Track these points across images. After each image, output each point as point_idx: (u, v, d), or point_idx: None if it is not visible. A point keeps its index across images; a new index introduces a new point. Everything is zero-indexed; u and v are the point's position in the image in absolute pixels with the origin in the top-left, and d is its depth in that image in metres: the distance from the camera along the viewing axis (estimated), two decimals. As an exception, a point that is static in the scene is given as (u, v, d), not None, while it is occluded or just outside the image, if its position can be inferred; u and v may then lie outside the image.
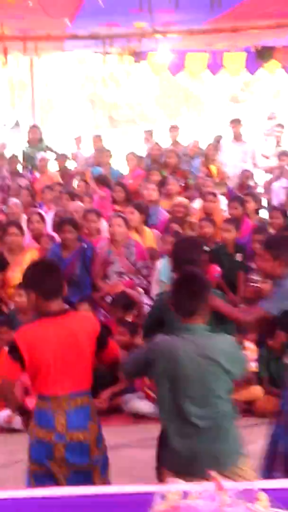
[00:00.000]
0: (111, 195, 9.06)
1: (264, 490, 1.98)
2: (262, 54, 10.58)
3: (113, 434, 5.30)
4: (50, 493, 2.16)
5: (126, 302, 6.32)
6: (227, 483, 1.94)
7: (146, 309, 6.57)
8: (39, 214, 7.72)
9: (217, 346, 3.22)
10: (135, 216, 7.42)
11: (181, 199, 8.27)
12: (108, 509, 2.07)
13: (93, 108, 25.80)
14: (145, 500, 1.93)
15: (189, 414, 3.15)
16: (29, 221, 7.56)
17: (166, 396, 3.20)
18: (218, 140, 11.53)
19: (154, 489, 2.03)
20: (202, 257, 4.13)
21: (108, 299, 6.68)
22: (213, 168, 10.33)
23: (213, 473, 1.98)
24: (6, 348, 3.71)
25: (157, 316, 3.95)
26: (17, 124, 20.14)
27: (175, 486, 1.97)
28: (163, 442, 3.44)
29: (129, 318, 6.28)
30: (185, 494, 1.92)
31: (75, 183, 10.22)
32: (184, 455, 3.14)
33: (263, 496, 1.93)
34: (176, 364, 3.16)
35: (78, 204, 8.14)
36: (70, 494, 2.14)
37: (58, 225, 7.11)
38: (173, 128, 11.90)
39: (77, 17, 8.10)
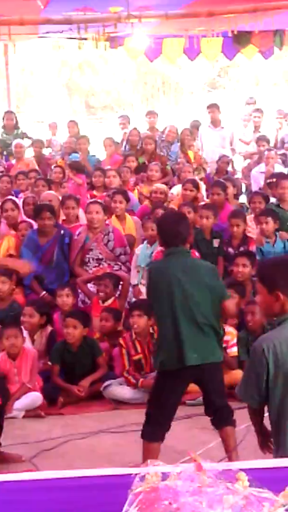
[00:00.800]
0: (86, 181, 9.05)
1: (243, 470, 1.97)
2: (239, 39, 10.54)
3: (93, 419, 5.35)
4: (28, 476, 2.15)
5: (113, 279, 6.33)
6: (206, 464, 1.93)
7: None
8: (13, 201, 7.62)
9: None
10: (123, 205, 7.45)
11: (159, 185, 8.26)
12: (88, 492, 2.06)
13: (70, 94, 25.61)
14: (125, 482, 1.91)
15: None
16: (3, 209, 7.46)
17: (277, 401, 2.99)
18: (195, 125, 11.51)
19: (133, 471, 2.02)
20: (189, 230, 4.36)
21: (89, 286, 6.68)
22: (190, 154, 10.32)
23: (193, 454, 1.97)
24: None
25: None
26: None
27: (154, 468, 1.95)
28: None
29: (111, 301, 6.29)
30: (165, 476, 1.91)
31: (52, 170, 10.14)
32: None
33: (243, 476, 1.92)
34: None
35: (51, 193, 8.06)
36: (48, 477, 2.13)
37: (36, 212, 7.05)
38: (151, 114, 11.86)
39: (51, 1, 8.01)
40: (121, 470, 2.18)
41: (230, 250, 6.92)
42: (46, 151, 11.23)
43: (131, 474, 1.95)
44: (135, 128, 10.97)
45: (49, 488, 2.05)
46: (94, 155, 10.58)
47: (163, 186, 8.25)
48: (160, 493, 1.82)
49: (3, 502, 2.04)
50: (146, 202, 8.24)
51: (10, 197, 7.92)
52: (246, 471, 1.95)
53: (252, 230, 7.23)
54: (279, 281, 2.95)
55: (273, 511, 1.81)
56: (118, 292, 6.42)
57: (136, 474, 1.91)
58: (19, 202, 7.81)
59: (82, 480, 2.12)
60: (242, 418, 4.70)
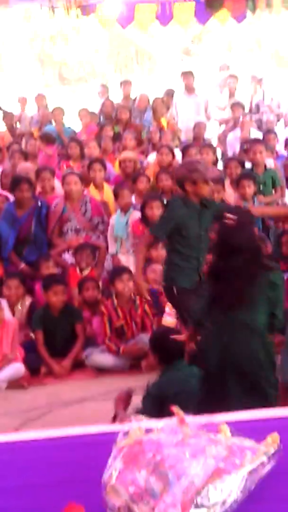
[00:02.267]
0: (59, 152, 9.01)
1: (225, 422, 1.99)
2: (211, 3, 10.41)
3: (76, 388, 5.36)
4: (13, 437, 2.15)
5: (90, 248, 6.32)
6: (189, 418, 1.95)
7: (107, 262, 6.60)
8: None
9: None
10: (102, 173, 7.43)
11: (127, 153, 8.20)
12: (72, 449, 2.08)
13: (42, 66, 25.28)
14: (109, 439, 1.93)
15: None
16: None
17: None
18: (168, 93, 11.44)
19: (116, 428, 2.04)
20: (256, 242, 3.78)
21: (66, 255, 6.68)
22: (163, 121, 10.27)
23: (175, 409, 1.98)
24: None
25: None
26: None
27: (137, 423, 1.97)
28: None
29: (88, 271, 6.30)
30: (148, 430, 1.93)
31: (23, 143, 10.04)
32: None
33: (225, 428, 1.95)
34: None
35: (28, 165, 8.00)
36: (33, 437, 2.14)
37: (14, 184, 6.96)
38: (125, 83, 11.76)
39: None
40: (104, 428, 2.19)
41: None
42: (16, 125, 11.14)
43: (115, 431, 1.97)
44: (107, 99, 10.90)
45: (34, 448, 2.06)
46: (70, 127, 10.49)
47: (131, 154, 8.19)
48: (143, 446, 1.84)
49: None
50: (119, 172, 8.20)
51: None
52: (228, 423, 1.98)
53: (230, 196, 7.23)
54: None
55: (255, 459, 1.84)
56: (94, 262, 6.42)
57: (119, 430, 1.93)
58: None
59: (66, 439, 2.13)
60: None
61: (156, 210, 6.21)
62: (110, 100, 10.83)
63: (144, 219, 6.38)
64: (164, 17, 10.82)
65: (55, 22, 11.62)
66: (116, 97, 11.47)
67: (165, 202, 6.31)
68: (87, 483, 1.89)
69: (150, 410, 3.44)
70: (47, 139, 9.26)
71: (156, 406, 3.56)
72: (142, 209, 6.43)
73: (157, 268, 5.74)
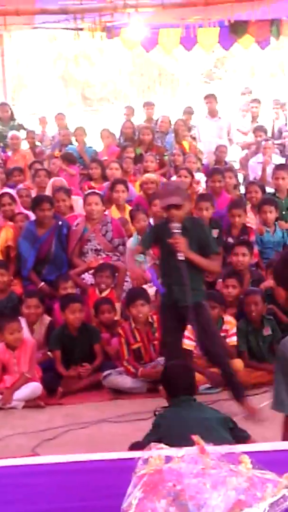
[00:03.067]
0: (80, 172, 9.08)
1: (246, 453, 1.97)
2: (235, 29, 10.51)
3: (93, 409, 5.35)
4: (31, 461, 2.15)
5: (110, 269, 6.34)
6: (209, 447, 1.93)
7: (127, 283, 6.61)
8: (10, 195, 7.57)
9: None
10: (124, 194, 7.49)
11: (149, 175, 8.25)
12: (90, 475, 2.06)
13: (66, 86, 25.52)
14: (128, 465, 1.91)
15: None
16: (0, 203, 7.39)
17: None
18: (188, 112, 11.53)
19: (136, 455, 2.02)
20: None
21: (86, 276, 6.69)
22: (185, 144, 10.32)
23: (196, 438, 1.97)
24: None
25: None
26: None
27: (158, 451, 1.95)
28: None
29: (107, 292, 6.30)
30: (168, 459, 1.92)
31: (45, 162, 10.13)
32: None
33: (246, 459, 1.93)
34: None
35: (60, 179, 8.11)
36: (51, 461, 2.13)
37: (36, 203, 7.00)
38: (148, 105, 11.86)
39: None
40: (124, 454, 2.18)
41: (230, 239, 6.92)
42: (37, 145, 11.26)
43: (134, 457, 1.96)
44: (128, 121, 10.99)
45: (51, 472, 2.06)
46: (91, 147, 10.57)
47: (153, 176, 8.24)
48: (164, 475, 1.82)
49: (5, 486, 2.04)
50: (141, 193, 8.24)
51: (6, 190, 7.87)
52: (249, 453, 1.96)
53: (251, 220, 7.23)
54: None
55: (276, 492, 1.81)
56: (114, 283, 6.42)
57: (139, 458, 1.92)
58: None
59: (85, 464, 2.13)
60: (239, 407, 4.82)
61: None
62: (131, 122, 10.91)
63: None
64: (188, 42, 10.94)
65: (79, 42, 11.73)
66: (139, 119, 11.55)
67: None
68: (106, 510, 1.88)
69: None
70: (68, 159, 9.34)
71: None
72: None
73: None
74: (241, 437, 3.69)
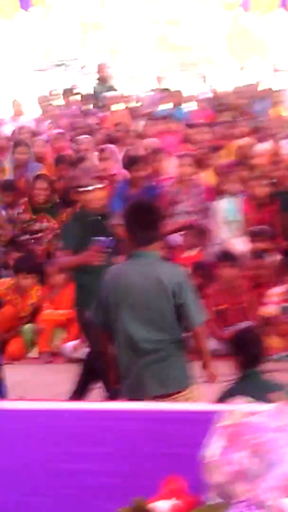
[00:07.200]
0: (179, 134, 9.03)
1: None
2: None
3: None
4: (118, 406, 2.22)
5: (200, 230, 6.32)
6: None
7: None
8: (111, 150, 7.68)
9: (166, 272, 3.27)
10: (221, 160, 7.44)
11: (244, 140, 8.13)
12: (177, 423, 2.12)
13: (162, 50, 25.34)
14: (209, 417, 1.96)
15: (137, 340, 3.18)
16: (101, 158, 7.51)
17: (118, 325, 3.21)
18: None
19: (218, 408, 2.06)
20: None
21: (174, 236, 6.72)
22: (280, 111, 10.08)
23: (275, 396, 1.99)
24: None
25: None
26: (86, 65, 20.05)
27: (239, 405, 1.98)
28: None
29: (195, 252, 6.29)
30: (250, 413, 1.94)
31: (140, 123, 10.12)
32: (133, 380, 3.21)
33: None
34: (124, 289, 3.21)
35: (151, 140, 8.11)
36: (140, 407, 2.20)
37: (131, 163, 7.06)
38: (244, 69, 11.66)
39: None
40: (205, 407, 2.22)
41: None
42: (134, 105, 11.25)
43: (217, 410, 2.00)
44: (213, 87, 10.86)
45: (138, 418, 2.12)
46: (185, 110, 10.49)
47: (247, 140, 8.11)
48: (245, 428, 1.85)
49: (89, 428, 2.13)
50: (233, 158, 8.13)
51: (108, 145, 7.96)
52: None
53: None
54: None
55: None
56: (202, 244, 6.42)
57: (223, 411, 1.96)
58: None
59: (168, 413, 2.18)
60: None
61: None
62: (216, 88, 10.79)
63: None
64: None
65: (176, 5, 11.62)
66: (235, 83, 11.37)
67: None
68: (188, 458, 1.93)
69: None
70: (168, 120, 9.27)
71: None
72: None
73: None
74: None
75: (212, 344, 5.53)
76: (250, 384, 3.67)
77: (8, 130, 9.41)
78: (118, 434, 2.08)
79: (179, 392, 3.30)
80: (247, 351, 3.77)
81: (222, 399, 3.62)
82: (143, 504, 1.69)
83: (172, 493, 1.77)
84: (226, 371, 4.86)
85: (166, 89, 10.69)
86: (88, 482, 1.90)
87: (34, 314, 6.02)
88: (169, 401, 3.12)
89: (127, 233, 3.33)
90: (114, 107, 10.19)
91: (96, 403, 2.33)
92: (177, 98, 10.37)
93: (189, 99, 10.42)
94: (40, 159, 7.94)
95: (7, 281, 6.16)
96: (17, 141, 7.77)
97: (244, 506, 1.74)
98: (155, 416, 2.14)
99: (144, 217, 3.31)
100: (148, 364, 3.20)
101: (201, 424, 2.00)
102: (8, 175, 7.50)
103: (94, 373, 4.16)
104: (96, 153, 7.86)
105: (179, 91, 10.58)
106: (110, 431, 2.09)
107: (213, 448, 1.82)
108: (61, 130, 8.99)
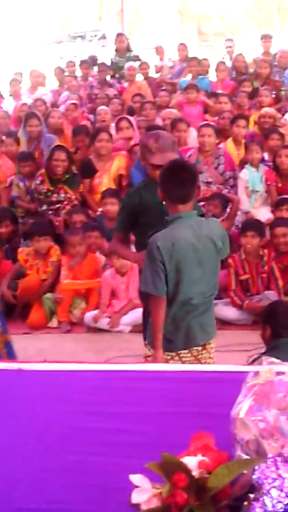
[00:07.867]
0: (201, 104, 8.96)
1: None
2: None
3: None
4: (146, 367, 2.23)
5: (223, 200, 6.34)
6: None
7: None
8: (128, 120, 7.65)
9: (212, 228, 3.38)
10: (244, 131, 7.39)
11: (268, 109, 8.04)
12: (205, 383, 2.13)
13: (182, 20, 25.06)
14: (239, 377, 1.96)
15: (193, 297, 3.30)
16: (118, 127, 7.50)
17: (176, 288, 3.28)
18: None
19: (247, 368, 2.06)
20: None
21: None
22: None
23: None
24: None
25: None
26: (103, 36, 19.91)
27: (269, 366, 1.99)
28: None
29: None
30: (278, 373, 1.94)
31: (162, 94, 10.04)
32: (182, 333, 3.37)
33: None
34: (183, 253, 3.27)
35: (170, 111, 8.06)
36: (167, 369, 2.21)
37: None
38: (266, 38, 11.46)
39: None
40: (234, 368, 2.23)
41: None
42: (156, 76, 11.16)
43: (245, 371, 2.00)
44: (240, 54, 10.68)
45: (166, 379, 2.13)
46: (208, 80, 10.38)
47: (271, 110, 8.02)
48: (274, 386, 1.86)
49: (116, 388, 2.14)
50: (255, 128, 8.05)
51: (125, 116, 7.93)
52: None
53: None
54: None
55: None
56: (226, 214, 6.39)
57: (250, 371, 1.97)
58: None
59: (197, 373, 2.19)
60: None
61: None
62: (242, 56, 10.61)
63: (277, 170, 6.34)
64: None
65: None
66: (256, 53, 11.21)
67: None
68: (216, 416, 1.94)
69: None
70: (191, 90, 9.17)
71: None
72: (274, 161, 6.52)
73: None
74: None
75: (233, 313, 5.56)
76: (282, 352, 3.64)
77: (25, 101, 9.39)
78: (147, 394, 2.09)
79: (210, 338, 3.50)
80: (278, 321, 3.77)
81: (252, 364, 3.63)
82: (171, 459, 1.70)
83: (200, 449, 1.78)
84: (246, 341, 4.89)
85: (192, 58, 10.55)
86: (118, 440, 1.91)
87: (55, 274, 5.99)
88: (205, 349, 3.41)
89: (164, 194, 3.36)
90: (132, 78, 10.11)
91: (124, 364, 2.33)
92: (199, 67, 10.26)
93: (209, 69, 10.32)
94: (56, 130, 7.91)
95: (27, 249, 6.18)
96: (28, 114, 7.71)
97: (272, 462, 1.74)
98: (183, 376, 2.15)
99: (181, 174, 3.34)
100: (196, 316, 3.37)
101: (229, 383, 2.01)
102: (23, 147, 7.49)
103: None
104: (113, 124, 7.83)
105: (203, 59, 10.46)
106: (139, 391, 2.10)
107: (240, 406, 1.83)
108: (74, 101, 8.93)
